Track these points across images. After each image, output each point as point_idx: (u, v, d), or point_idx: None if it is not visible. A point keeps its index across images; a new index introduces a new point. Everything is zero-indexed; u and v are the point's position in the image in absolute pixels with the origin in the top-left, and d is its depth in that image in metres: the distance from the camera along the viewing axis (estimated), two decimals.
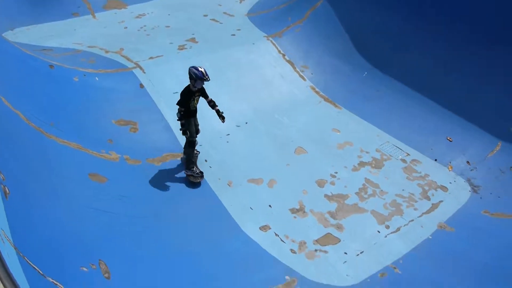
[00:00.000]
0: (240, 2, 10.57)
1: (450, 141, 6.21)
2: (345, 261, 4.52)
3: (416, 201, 5.33)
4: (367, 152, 6.10)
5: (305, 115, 6.82)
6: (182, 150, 5.65)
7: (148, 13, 9.84)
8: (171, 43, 8.05)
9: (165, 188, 5.21)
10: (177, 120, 5.26)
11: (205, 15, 9.63)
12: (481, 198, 5.45)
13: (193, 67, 5.02)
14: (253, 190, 5.35)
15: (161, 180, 5.32)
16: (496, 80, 6.25)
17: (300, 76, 7.65)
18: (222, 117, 5.30)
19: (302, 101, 7.14)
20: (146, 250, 4.25)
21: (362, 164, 5.88)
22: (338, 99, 7.17)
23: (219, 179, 5.47)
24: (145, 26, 9.04)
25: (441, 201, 5.37)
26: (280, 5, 9.69)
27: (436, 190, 5.52)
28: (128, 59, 7.31)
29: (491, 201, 5.40)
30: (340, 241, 4.75)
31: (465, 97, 6.47)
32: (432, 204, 5.31)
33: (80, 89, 6.20)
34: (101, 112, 6.04)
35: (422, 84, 6.93)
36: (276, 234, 4.76)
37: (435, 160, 6.03)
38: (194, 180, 5.36)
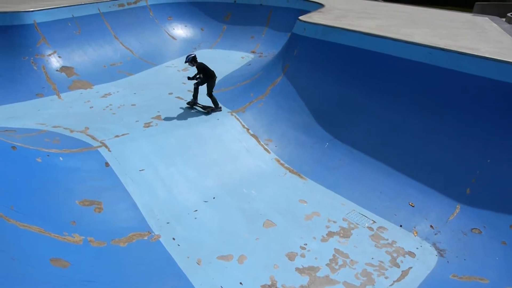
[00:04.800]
0: None
1: (412, 206, 6.40)
2: None
3: (386, 269, 5.33)
4: (334, 222, 6.16)
5: (272, 187, 6.89)
6: (152, 221, 5.85)
7: (113, 92, 10.04)
8: (137, 121, 8.15)
9: (132, 271, 4.98)
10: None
11: (170, 93, 9.92)
12: (448, 262, 5.52)
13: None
14: (223, 268, 5.19)
15: (127, 262, 5.09)
16: (448, 146, 6.63)
17: (265, 149, 7.85)
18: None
19: (268, 173, 7.26)
20: None
21: (330, 234, 5.91)
22: (303, 170, 7.35)
23: (188, 257, 5.30)
24: (111, 105, 9.16)
25: (410, 267, 5.40)
26: (242, 82, 10.17)
27: (404, 257, 5.57)
28: (93, 138, 7.29)
29: (458, 264, 5.48)
30: None
31: (421, 161, 6.78)
32: (402, 271, 5.33)
33: (43, 170, 6.05)
34: (65, 193, 5.86)
35: (379, 151, 7.23)
36: None
37: (400, 226, 6.15)
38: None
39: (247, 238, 5.73)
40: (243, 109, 8.76)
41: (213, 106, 8.87)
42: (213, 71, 8.74)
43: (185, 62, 8.60)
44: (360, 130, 7.58)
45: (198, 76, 8.56)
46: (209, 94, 8.81)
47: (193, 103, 9.06)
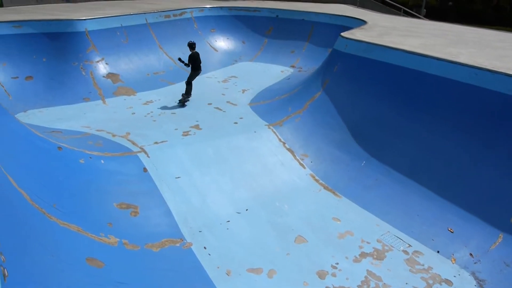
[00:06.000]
0: (243, 93, 11.12)
1: (452, 232, 6.14)
2: None
3: None
4: (368, 243, 6.00)
5: (305, 203, 6.82)
6: (184, 228, 5.88)
7: (155, 100, 10.32)
8: (176, 129, 8.33)
9: (162, 277, 5.03)
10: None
11: (209, 104, 10.09)
12: None
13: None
14: (252, 281, 5.15)
15: (159, 267, 5.15)
16: (494, 172, 6.34)
17: (300, 164, 7.80)
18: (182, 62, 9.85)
19: (302, 189, 7.20)
20: None
21: (363, 255, 5.75)
22: (338, 187, 7.23)
23: (218, 267, 5.31)
24: (152, 112, 9.41)
25: None
26: (281, 95, 10.19)
27: (440, 284, 5.33)
28: (133, 143, 7.50)
29: None
30: None
31: (463, 187, 6.51)
32: None
33: (85, 171, 6.27)
34: (104, 195, 6.04)
35: (419, 173, 7.01)
36: None
37: (438, 251, 5.91)
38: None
39: (277, 253, 5.68)
40: (280, 122, 8.77)
41: (185, 94, 10.12)
42: (200, 66, 9.91)
43: (187, 45, 9.85)
44: (399, 150, 7.39)
45: (186, 63, 9.86)
46: (188, 82, 10.06)
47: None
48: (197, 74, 10.08)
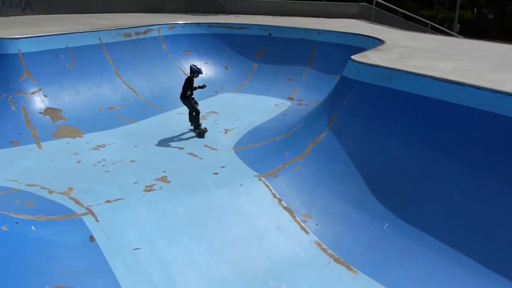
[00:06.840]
0: (225, 133, 11.18)
1: None
2: None
3: None
4: None
5: (310, 282, 6.64)
6: None
7: (109, 144, 10.27)
8: (135, 182, 8.22)
9: None
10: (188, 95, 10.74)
11: (181, 148, 10.06)
12: None
13: (193, 65, 11.18)
14: None
15: None
16: None
17: (302, 228, 7.70)
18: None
19: (304, 262, 7.03)
20: None
21: None
22: (353, 259, 7.09)
23: None
24: (104, 160, 9.33)
25: None
26: (275, 137, 10.21)
27: None
28: (77, 202, 7.36)
29: None
30: None
31: None
32: None
33: (8, 242, 6.06)
34: (33, 275, 5.80)
35: (462, 239, 6.91)
36: None
37: None
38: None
39: None
40: (274, 172, 8.73)
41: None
42: (183, 93, 10.77)
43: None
44: (434, 208, 7.33)
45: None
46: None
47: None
48: (185, 103, 11.01)
